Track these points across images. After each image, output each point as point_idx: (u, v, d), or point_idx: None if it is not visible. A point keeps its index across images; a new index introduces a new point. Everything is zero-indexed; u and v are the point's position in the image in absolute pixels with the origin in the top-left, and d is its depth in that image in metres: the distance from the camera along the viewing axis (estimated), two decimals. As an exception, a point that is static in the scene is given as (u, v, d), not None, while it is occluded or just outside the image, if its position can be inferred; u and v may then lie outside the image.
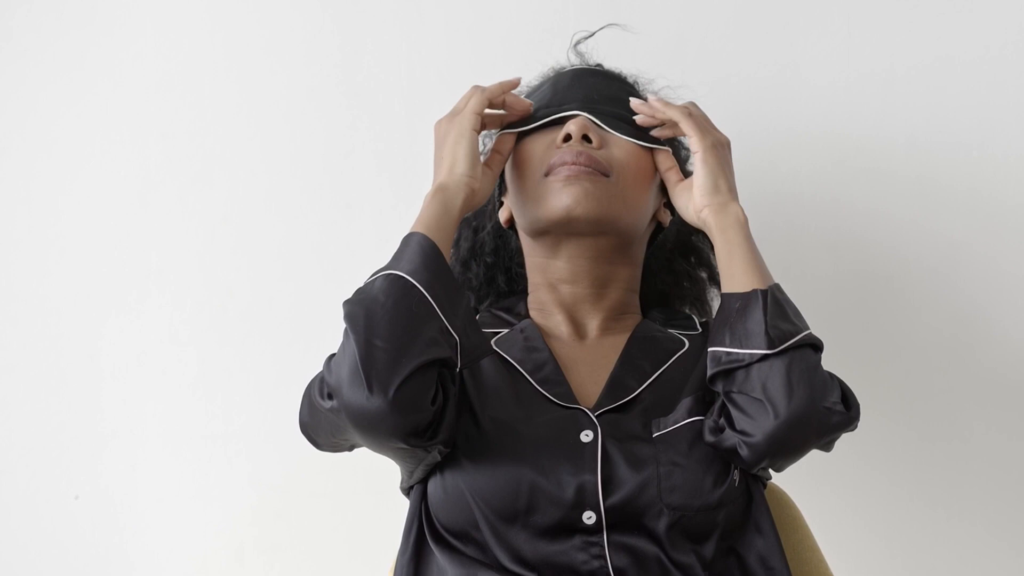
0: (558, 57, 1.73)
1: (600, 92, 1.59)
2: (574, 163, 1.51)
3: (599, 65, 1.69)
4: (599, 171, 1.51)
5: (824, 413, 1.38)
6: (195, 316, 1.96)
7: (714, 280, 1.75)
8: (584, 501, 1.40)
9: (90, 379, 1.96)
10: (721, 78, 1.93)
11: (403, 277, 1.39)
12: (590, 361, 1.54)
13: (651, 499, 1.40)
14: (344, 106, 1.95)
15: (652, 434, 1.44)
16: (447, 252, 1.45)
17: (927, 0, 1.93)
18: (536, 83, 1.68)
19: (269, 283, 1.96)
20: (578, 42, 1.74)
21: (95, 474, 1.96)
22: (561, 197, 1.51)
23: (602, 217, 1.52)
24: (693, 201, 1.51)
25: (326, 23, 1.96)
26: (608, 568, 1.40)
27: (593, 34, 1.73)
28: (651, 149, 1.57)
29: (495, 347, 1.54)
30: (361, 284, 1.44)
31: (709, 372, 1.42)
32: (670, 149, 1.59)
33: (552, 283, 1.58)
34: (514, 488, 1.41)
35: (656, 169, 1.58)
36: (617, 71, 1.66)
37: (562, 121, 1.56)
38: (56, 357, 1.97)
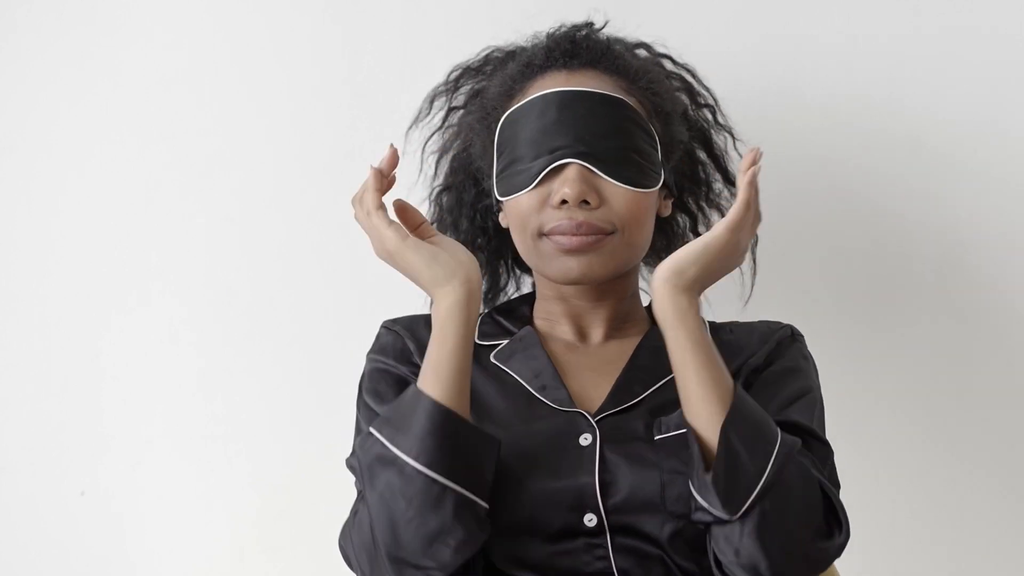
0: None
1: (594, 128, 1.48)
2: (575, 234, 1.46)
3: (600, 60, 1.58)
4: (602, 233, 1.47)
5: (807, 559, 1.36)
6: (196, 316, 1.96)
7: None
8: (584, 504, 1.40)
9: (91, 379, 1.96)
10: (732, 76, 1.92)
11: (422, 473, 1.34)
12: (594, 366, 1.54)
13: (653, 504, 1.40)
14: (345, 106, 1.95)
15: (654, 436, 1.43)
16: (464, 382, 1.39)
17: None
18: (515, 58, 1.62)
19: (270, 283, 1.96)
20: (553, 35, 1.62)
21: (96, 474, 1.96)
22: (564, 265, 1.48)
23: (610, 274, 1.50)
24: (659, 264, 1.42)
25: (327, 22, 1.96)
26: (612, 569, 1.40)
27: (562, 28, 1.64)
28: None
29: (493, 360, 1.54)
30: (366, 430, 1.40)
31: (693, 515, 1.38)
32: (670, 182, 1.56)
33: (560, 296, 1.58)
34: (513, 505, 1.41)
35: (657, 198, 1.55)
36: (609, 91, 1.51)
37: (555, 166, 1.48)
38: (58, 357, 1.96)
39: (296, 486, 1.94)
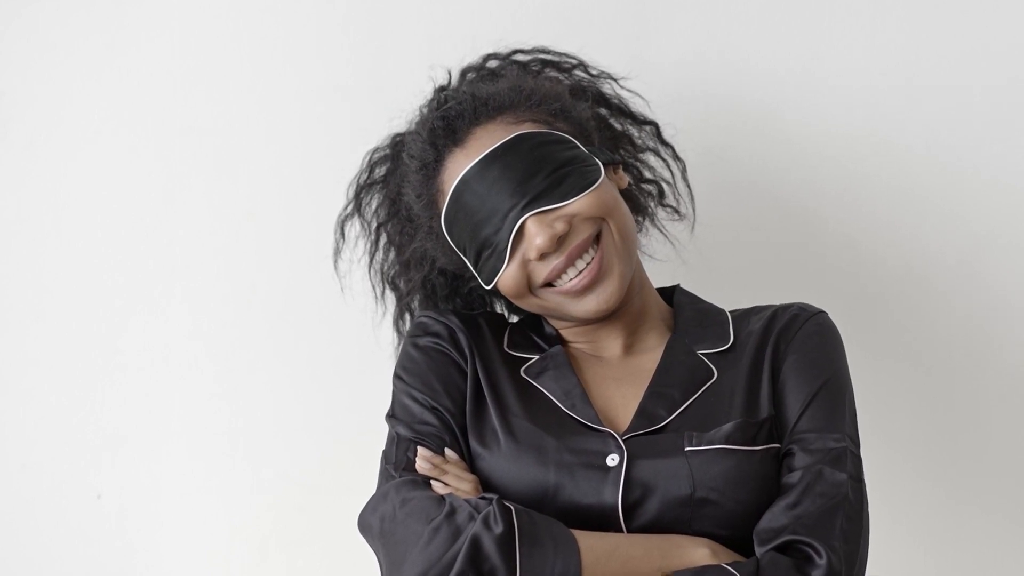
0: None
1: (518, 176, 1.48)
2: (570, 267, 1.48)
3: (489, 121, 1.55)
4: (591, 240, 1.48)
5: None
6: (218, 313, 1.97)
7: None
8: (607, 524, 1.42)
9: (113, 375, 1.97)
10: (742, 73, 1.93)
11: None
12: (619, 377, 1.55)
13: (679, 523, 1.41)
14: (370, 101, 1.94)
15: (683, 448, 1.44)
16: None
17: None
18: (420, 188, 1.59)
19: (292, 280, 1.97)
20: (424, 124, 1.59)
21: (118, 470, 1.97)
22: (586, 304, 1.50)
23: (626, 281, 1.51)
24: None
25: (351, 17, 1.96)
26: None
27: (421, 111, 1.66)
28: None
29: (524, 375, 1.55)
30: None
31: None
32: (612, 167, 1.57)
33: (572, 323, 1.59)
34: (540, 493, 1.43)
35: (611, 180, 1.55)
36: (504, 136, 1.50)
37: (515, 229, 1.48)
38: (80, 353, 1.97)
39: (316, 482, 1.95)
